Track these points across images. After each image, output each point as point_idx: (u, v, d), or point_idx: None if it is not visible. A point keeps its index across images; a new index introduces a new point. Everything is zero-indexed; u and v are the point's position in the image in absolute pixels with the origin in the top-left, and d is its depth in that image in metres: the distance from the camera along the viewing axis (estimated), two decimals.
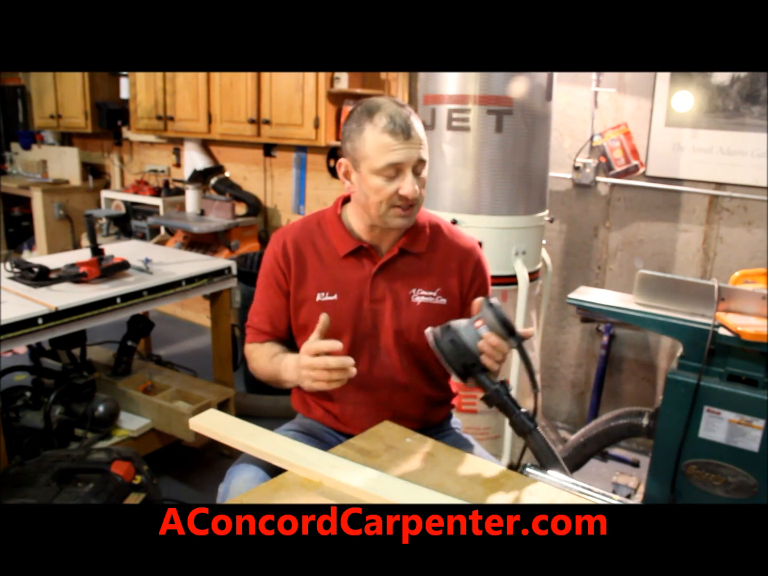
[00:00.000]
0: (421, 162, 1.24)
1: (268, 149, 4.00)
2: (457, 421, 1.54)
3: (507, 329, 1.11)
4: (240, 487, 1.20)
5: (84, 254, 2.46)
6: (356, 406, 1.37)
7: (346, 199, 1.39)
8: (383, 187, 1.23)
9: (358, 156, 1.25)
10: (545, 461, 1.12)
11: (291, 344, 1.42)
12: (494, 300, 1.13)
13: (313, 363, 1.15)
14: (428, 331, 1.18)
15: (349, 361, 1.13)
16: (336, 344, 1.14)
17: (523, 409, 1.14)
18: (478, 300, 1.16)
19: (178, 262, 2.59)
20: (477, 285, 1.40)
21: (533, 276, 2.29)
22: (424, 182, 1.27)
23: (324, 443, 1.35)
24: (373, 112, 1.23)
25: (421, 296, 1.35)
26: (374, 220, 1.29)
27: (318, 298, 1.34)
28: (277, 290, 1.37)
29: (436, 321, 1.34)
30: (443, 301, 1.36)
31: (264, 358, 1.36)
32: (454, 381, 1.23)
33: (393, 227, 1.29)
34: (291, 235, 1.38)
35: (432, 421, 1.44)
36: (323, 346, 1.15)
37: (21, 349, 2.84)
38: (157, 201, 4.28)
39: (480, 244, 1.46)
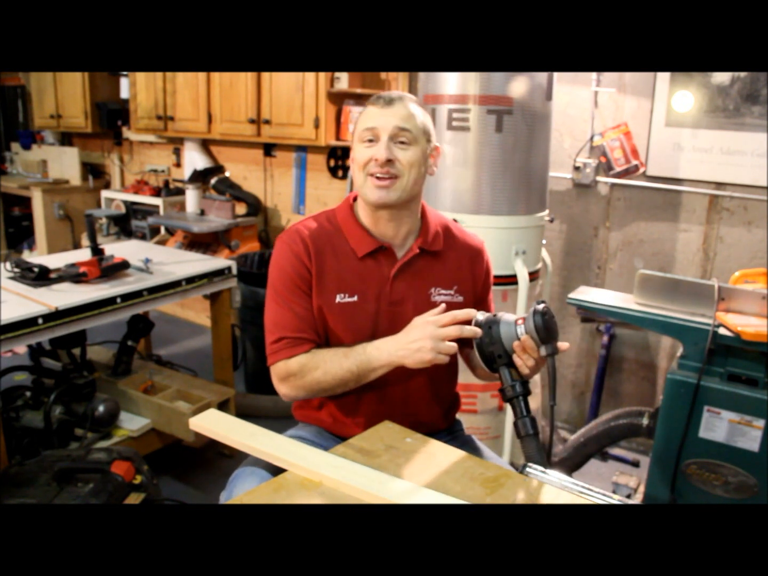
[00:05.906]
0: (400, 130, 1.24)
1: (268, 149, 4.00)
2: (459, 422, 1.54)
3: (543, 337, 1.13)
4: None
5: (84, 254, 2.46)
6: (369, 415, 1.32)
7: (355, 199, 1.37)
8: (362, 153, 1.25)
9: (354, 134, 1.30)
10: None
11: None
12: (542, 306, 1.14)
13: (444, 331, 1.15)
14: (476, 314, 1.20)
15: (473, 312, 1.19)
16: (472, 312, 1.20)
17: (530, 415, 1.16)
18: (534, 303, 1.18)
19: (178, 262, 2.59)
20: (489, 283, 1.43)
21: (533, 276, 2.29)
22: (413, 161, 1.25)
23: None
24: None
25: (440, 295, 1.34)
26: (361, 195, 1.29)
27: (337, 299, 1.28)
28: (303, 294, 1.29)
29: None
30: (461, 299, 1.35)
31: (335, 358, 1.24)
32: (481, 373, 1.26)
33: (371, 201, 1.26)
34: (309, 233, 1.31)
35: (441, 426, 1.44)
36: (460, 314, 1.17)
37: (21, 349, 2.84)
38: (157, 201, 4.28)
39: None
